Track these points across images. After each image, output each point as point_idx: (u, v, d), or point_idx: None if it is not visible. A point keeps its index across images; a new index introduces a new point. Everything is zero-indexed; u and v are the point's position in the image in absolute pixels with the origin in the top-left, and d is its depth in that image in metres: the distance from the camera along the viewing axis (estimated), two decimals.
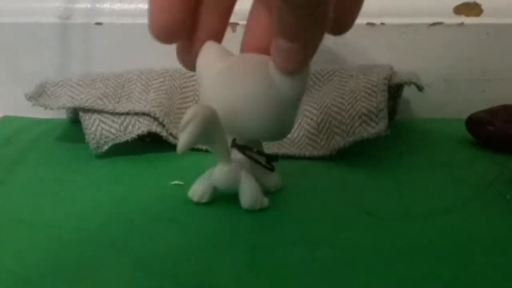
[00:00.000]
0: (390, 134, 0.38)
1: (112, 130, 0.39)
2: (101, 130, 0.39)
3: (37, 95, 0.41)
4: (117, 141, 0.39)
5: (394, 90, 0.44)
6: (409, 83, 0.42)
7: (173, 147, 0.39)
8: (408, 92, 0.47)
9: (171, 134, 0.40)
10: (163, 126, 0.40)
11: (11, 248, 0.27)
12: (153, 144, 0.41)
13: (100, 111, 0.39)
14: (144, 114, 0.40)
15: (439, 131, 0.46)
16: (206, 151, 0.40)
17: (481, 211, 0.32)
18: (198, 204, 0.32)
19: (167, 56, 0.48)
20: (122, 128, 0.39)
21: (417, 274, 0.26)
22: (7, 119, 0.48)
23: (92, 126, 0.39)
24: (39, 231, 0.29)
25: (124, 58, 0.48)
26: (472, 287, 0.25)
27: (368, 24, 0.49)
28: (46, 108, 0.40)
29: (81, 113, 0.40)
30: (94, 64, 0.49)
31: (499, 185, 0.35)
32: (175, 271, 0.25)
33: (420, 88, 0.43)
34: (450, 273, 0.26)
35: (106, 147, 0.39)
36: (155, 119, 0.40)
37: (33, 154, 0.40)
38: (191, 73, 0.46)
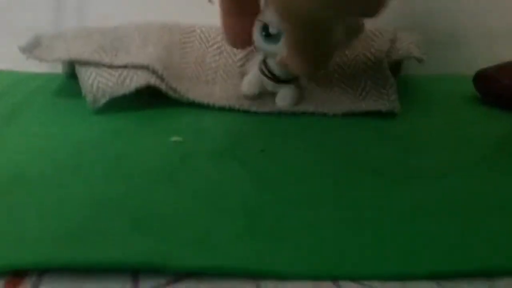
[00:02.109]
0: None
1: (109, 83, 0.37)
2: (98, 83, 0.37)
3: (32, 47, 0.40)
4: (115, 94, 0.37)
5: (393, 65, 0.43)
6: (408, 57, 0.42)
7: (173, 102, 0.39)
8: None
9: (171, 87, 0.39)
10: (162, 79, 0.39)
11: (6, 207, 0.26)
12: (152, 98, 0.39)
13: (97, 64, 0.38)
14: (142, 67, 0.38)
15: (445, 88, 0.45)
16: (207, 106, 0.39)
17: (489, 170, 0.31)
18: (196, 161, 0.31)
19: (165, 9, 0.48)
20: (119, 81, 0.38)
21: (423, 233, 0.25)
22: (1, 73, 0.46)
23: (89, 79, 0.37)
24: (33, 188, 0.28)
25: (120, 13, 0.47)
26: (475, 247, 0.24)
27: None
28: (41, 60, 0.39)
29: (77, 67, 0.38)
30: (89, 19, 0.48)
31: (507, 144, 0.34)
32: (172, 233, 0.24)
33: (419, 60, 0.42)
34: (454, 233, 0.25)
35: (103, 100, 0.37)
36: (154, 72, 0.38)
37: (28, 109, 0.39)
38: (191, 29, 0.46)
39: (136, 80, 0.38)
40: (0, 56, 0.47)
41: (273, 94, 0.40)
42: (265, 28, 0.37)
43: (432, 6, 0.48)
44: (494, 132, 0.36)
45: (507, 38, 0.48)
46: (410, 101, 0.42)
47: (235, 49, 0.45)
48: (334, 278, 0.22)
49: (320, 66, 0.35)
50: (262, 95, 0.40)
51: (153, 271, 0.22)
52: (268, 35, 0.37)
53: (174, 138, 0.34)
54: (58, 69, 0.45)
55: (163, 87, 0.39)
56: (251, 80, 0.40)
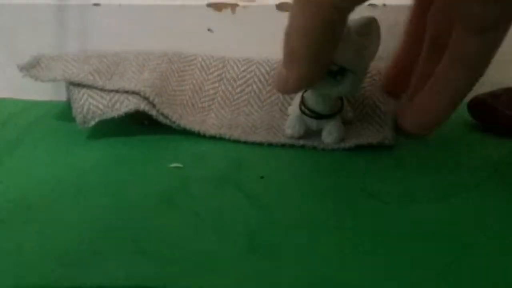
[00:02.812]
0: None
1: (100, 106, 0.38)
2: (88, 105, 0.38)
3: (30, 67, 0.41)
4: (104, 117, 0.38)
5: None
6: None
7: (172, 128, 0.40)
8: None
9: (162, 113, 0.39)
10: (153, 106, 0.39)
11: (10, 233, 0.26)
12: (152, 127, 0.40)
13: (89, 86, 0.39)
14: (134, 92, 0.39)
15: None
16: (203, 136, 0.39)
17: (484, 195, 0.31)
18: (196, 187, 0.31)
19: (165, 38, 0.48)
20: (110, 105, 0.38)
21: (418, 257, 0.25)
22: (4, 101, 0.47)
23: (80, 100, 0.38)
24: (35, 213, 0.28)
25: (121, 40, 0.48)
26: (472, 270, 0.24)
27: (370, 5, 0.47)
28: (36, 79, 0.39)
29: (70, 87, 0.39)
30: (92, 45, 0.48)
31: (503, 170, 0.34)
32: (173, 256, 0.25)
33: None
34: (451, 256, 0.25)
35: (92, 122, 0.38)
36: (145, 98, 0.39)
37: (31, 137, 0.39)
38: (191, 58, 0.46)
39: (126, 105, 0.38)
40: (3, 84, 0.48)
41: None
42: None
43: None
44: (489, 158, 0.36)
45: (502, 64, 0.47)
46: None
47: (235, 76, 0.44)
48: None
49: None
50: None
51: None
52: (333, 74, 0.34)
53: (174, 164, 0.34)
54: (61, 96, 0.46)
55: (153, 112, 0.39)
56: (294, 121, 0.38)
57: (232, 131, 0.40)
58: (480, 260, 0.24)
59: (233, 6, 0.46)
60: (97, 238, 0.26)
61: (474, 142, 0.39)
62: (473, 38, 0.29)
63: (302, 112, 0.38)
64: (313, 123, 0.38)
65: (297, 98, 0.39)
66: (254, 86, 0.44)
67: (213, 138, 0.39)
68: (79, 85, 0.39)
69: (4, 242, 0.25)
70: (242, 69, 0.45)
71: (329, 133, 0.38)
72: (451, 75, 0.31)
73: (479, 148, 0.38)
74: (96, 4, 0.48)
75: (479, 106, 0.40)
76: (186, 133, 0.39)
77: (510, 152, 0.37)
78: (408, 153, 0.37)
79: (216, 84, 0.45)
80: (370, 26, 0.34)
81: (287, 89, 0.33)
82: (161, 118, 0.39)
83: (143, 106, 0.38)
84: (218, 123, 0.41)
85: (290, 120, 0.39)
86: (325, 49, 0.30)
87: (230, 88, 0.45)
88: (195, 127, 0.39)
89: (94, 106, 0.38)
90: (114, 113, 0.37)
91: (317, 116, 0.37)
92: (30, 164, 0.34)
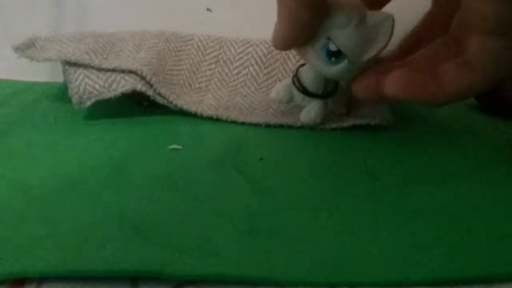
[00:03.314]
0: None
1: (96, 86, 0.37)
2: (85, 85, 0.37)
3: (25, 47, 0.40)
4: (101, 97, 0.37)
5: None
6: None
7: (169, 111, 0.39)
8: None
9: (159, 93, 0.39)
10: (151, 85, 0.39)
11: (6, 215, 0.26)
12: (150, 108, 0.40)
13: (86, 66, 0.38)
14: (130, 72, 0.38)
15: None
16: (201, 117, 0.39)
17: (486, 178, 0.31)
18: (195, 169, 0.31)
19: (164, 19, 0.47)
20: (106, 85, 0.37)
21: (419, 239, 0.25)
22: (0, 82, 0.46)
23: (77, 80, 0.37)
24: (33, 196, 0.28)
25: (119, 20, 0.47)
26: (473, 253, 0.24)
27: None
28: (32, 60, 0.39)
29: (66, 67, 0.38)
30: (89, 26, 0.48)
31: (506, 153, 0.34)
32: (172, 240, 0.24)
33: None
34: (451, 239, 0.25)
35: (89, 102, 0.37)
36: (142, 77, 0.38)
37: (28, 119, 0.38)
38: (188, 37, 0.45)
39: (123, 85, 0.38)
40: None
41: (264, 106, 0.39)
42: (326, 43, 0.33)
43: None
44: (490, 139, 0.36)
45: None
46: (407, 108, 0.42)
47: (232, 58, 0.44)
48: (332, 285, 0.22)
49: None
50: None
51: (153, 278, 0.22)
52: (329, 53, 0.33)
53: (173, 146, 0.34)
54: (58, 78, 0.45)
55: (150, 93, 0.38)
56: (282, 87, 0.38)
57: (229, 112, 0.39)
58: (481, 243, 0.24)
59: None
60: (95, 222, 0.25)
61: (474, 124, 0.39)
62: (481, 41, 0.28)
63: (292, 82, 0.37)
64: (298, 97, 0.37)
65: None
66: (251, 69, 0.44)
67: (211, 119, 0.39)
68: (75, 65, 0.38)
69: (2, 227, 0.25)
70: (239, 50, 0.45)
71: (308, 112, 0.37)
72: (457, 75, 0.30)
73: (480, 129, 0.38)
74: None
75: None
76: (184, 114, 0.39)
77: None
78: (409, 134, 0.37)
79: (213, 66, 0.44)
80: (385, 23, 0.33)
81: (274, 43, 0.33)
82: (158, 99, 0.39)
83: (140, 86, 0.38)
84: (215, 103, 0.41)
85: (278, 84, 0.38)
86: (300, 9, 0.30)
87: (226, 70, 0.44)
88: (192, 107, 0.39)
89: (90, 86, 0.37)
90: (111, 94, 0.37)
91: (303, 90, 0.36)
92: (28, 146, 0.34)
